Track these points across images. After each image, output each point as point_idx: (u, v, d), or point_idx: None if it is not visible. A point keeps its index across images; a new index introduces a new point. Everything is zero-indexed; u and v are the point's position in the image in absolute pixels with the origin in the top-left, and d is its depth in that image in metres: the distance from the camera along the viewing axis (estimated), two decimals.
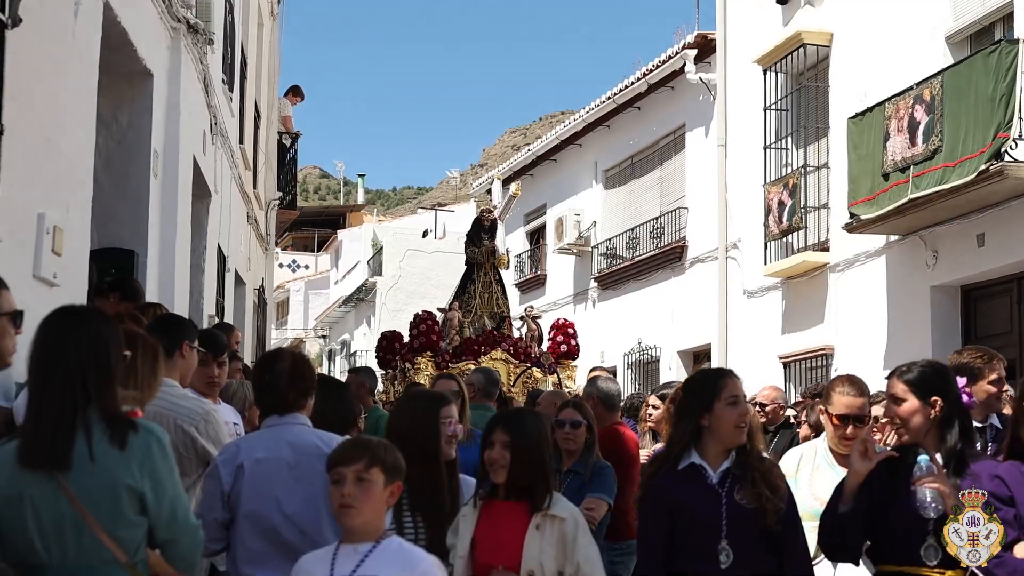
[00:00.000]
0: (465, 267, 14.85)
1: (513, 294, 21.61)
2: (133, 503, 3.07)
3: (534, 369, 13.35)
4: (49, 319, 3.22)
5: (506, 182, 17.54)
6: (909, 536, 3.76)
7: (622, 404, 8.27)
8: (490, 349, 13.41)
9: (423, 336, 13.42)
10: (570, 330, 14.02)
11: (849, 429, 4.74)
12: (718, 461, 3.96)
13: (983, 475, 3.78)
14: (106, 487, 3.02)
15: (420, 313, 13.88)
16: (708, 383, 4.05)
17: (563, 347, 13.84)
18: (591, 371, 9.62)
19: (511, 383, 12.99)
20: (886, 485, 3.84)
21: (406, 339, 13.85)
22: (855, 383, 4.87)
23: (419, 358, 13.28)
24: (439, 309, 14.53)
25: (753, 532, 3.84)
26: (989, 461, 3.99)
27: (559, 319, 14.60)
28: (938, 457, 3.82)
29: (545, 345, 14.07)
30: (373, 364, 29.04)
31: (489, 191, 26.18)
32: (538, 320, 14.77)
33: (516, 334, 14.47)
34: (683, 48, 17.17)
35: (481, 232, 14.61)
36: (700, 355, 17.49)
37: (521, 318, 15.00)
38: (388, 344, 14.11)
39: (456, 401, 5.78)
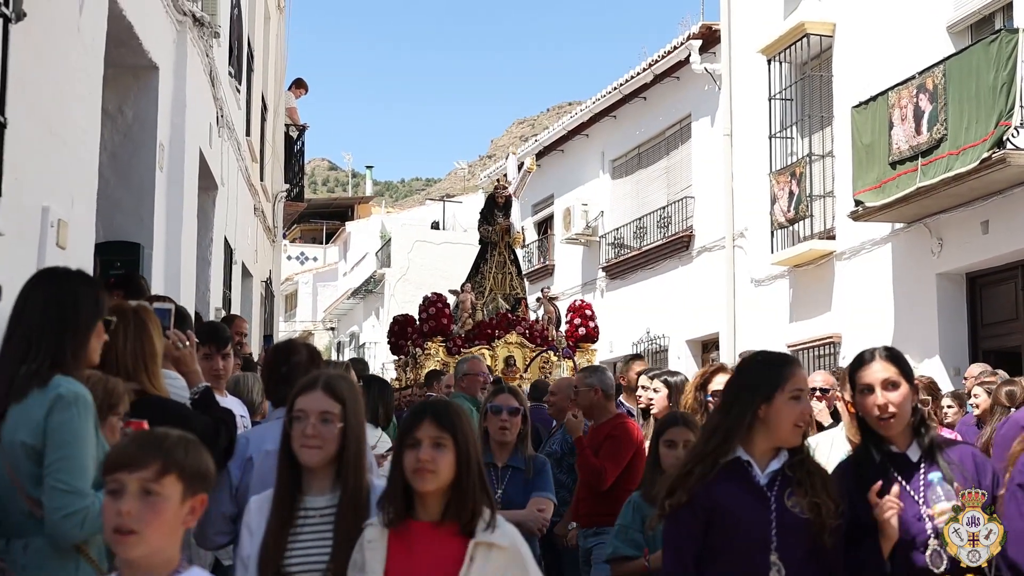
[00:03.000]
0: (479, 246, 14.26)
1: None
2: (34, 462, 3.07)
3: (550, 353, 12.82)
4: None
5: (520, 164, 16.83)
6: (908, 544, 3.39)
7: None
8: (504, 332, 12.86)
9: (433, 320, 12.84)
10: (588, 312, 13.46)
11: None
12: (765, 459, 3.36)
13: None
14: (13, 444, 3.07)
15: (430, 296, 13.25)
16: (772, 369, 3.42)
17: (581, 330, 13.27)
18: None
19: (525, 368, 12.56)
20: (863, 488, 3.43)
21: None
22: None
23: (429, 343, 12.73)
24: (451, 291, 14.00)
25: (805, 546, 3.26)
26: (955, 442, 3.78)
27: (576, 300, 14.07)
28: (915, 449, 3.51)
29: (563, 328, 13.56)
30: (383, 354, 29.00)
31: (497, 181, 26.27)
32: (555, 302, 14.23)
33: (532, 316, 13.89)
34: (688, 39, 17.21)
35: (495, 210, 13.98)
36: (708, 344, 17.52)
37: (538, 300, 14.54)
38: (400, 329, 13.51)
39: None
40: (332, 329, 41.82)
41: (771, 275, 15.35)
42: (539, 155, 23.34)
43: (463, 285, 13.86)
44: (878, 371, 3.54)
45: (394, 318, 14.11)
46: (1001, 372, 8.02)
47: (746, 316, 15.92)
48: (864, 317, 13.31)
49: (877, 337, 12.78)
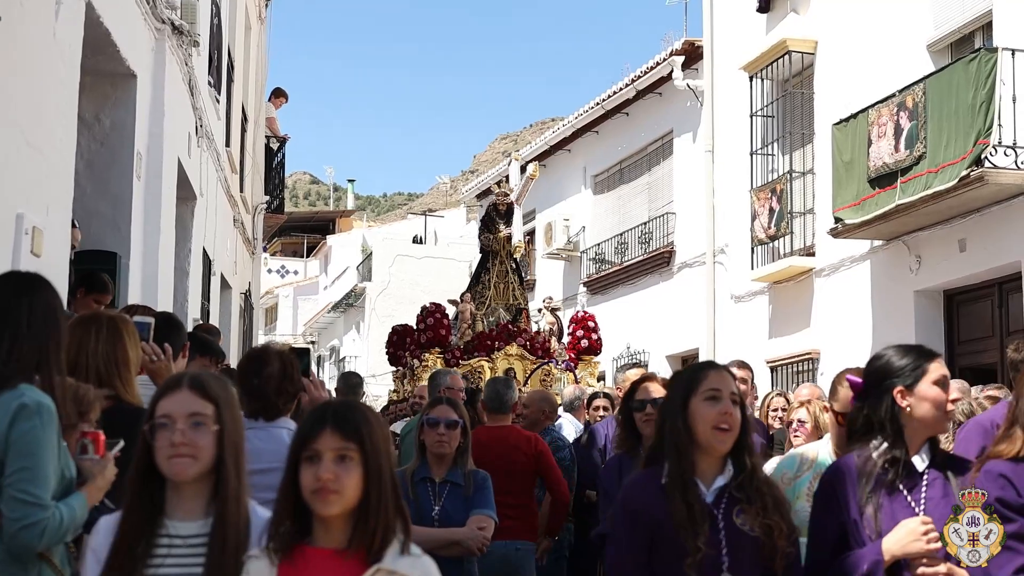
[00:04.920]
0: (479, 255, 13.84)
1: None
2: None
3: (550, 365, 12.48)
4: None
5: (523, 168, 16.18)
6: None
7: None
8: (505, 344, 12.51)
9: (431, 330, 12.49)
10: (591, 323, 13.09)
11: None
12: (710, 475, 3.23)
13: (985, 476, 3.21)
14: None
15: (428, 305, 12.93)
16: (685, 376, 3.36)
17: (584, 342, 12.90)
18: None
19: (525, 380, 12.21)
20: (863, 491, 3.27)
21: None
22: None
23: (427, 354, 12.40)
24: (450, 301, 13.66)
25: (759, 564, 3.15)
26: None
27: (579, 311, 13.67)
28: (923, 456, 3.33)
29: (564, 339, 13.23)
30: (363, 368, 28.91)
31: (479, 196, 26.26)
32: (558, 312, 13.86)
33: (534, 328, 13.49)
34: (671, 55, 17.25)
35: (496, 218, 13.58)
36: (688, 359, 17.52)
37: (540, 310, 14.21)
38: (399, 339, 13.05)
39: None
40: (312, 343, 41.66)
41: (751, 291, 15.38)
42: (521, 170, 23.30)
43: (462, 295, 13.51)
44: (944, 367, 3.39)
45: (393, 328, 13.63)
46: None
47: (726, 332, 15.94)
48: (843, 333, 13.34)
49: (855, 354, 12.80)
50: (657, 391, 5.04)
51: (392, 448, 2.53)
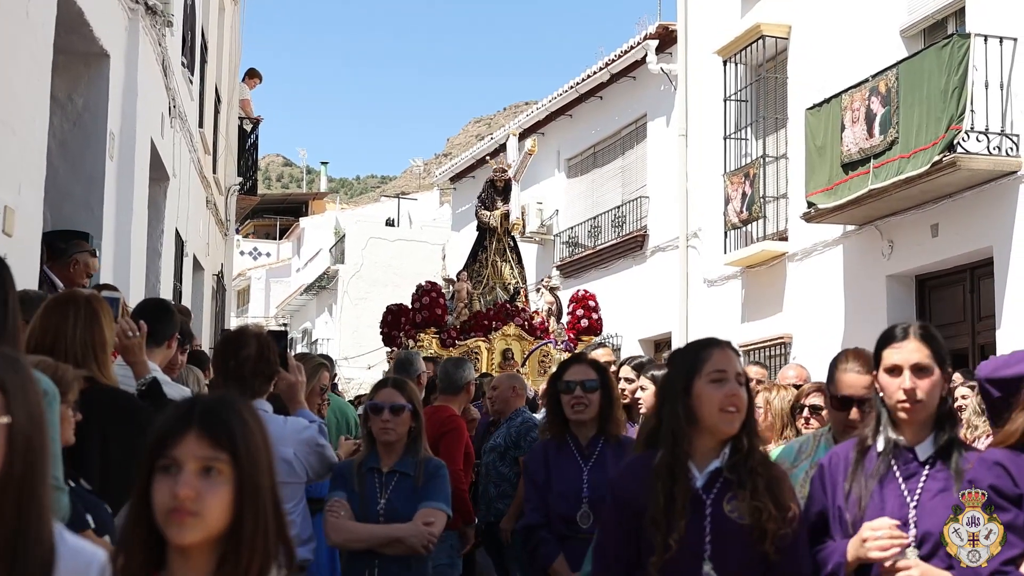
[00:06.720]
0: (477, 232, 13.51)
1: None
2: None
3: (548, 346, 12.20)
4: None
5: (522, 136, 15.48)
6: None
7: None
8: (502, 324, 12.21)
9: (426, 310, 12.10)
10: (591, 303, 12.71)
11: (853, 413, 3.73)
12: (706, 458, 3.05)
13: (981, 464, 3.04)
14: None
15: (424, 284, 12.55)
16: (688, 356, 3.16)
17: (584, 322, 12.56)
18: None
19: (523, 361, 12.02)
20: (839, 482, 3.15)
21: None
22: (862, 357, 3.74)
23: (422, 334, 12.09)
24: (446, 279, 13.39)
25: (745, 554, 2.96)
26: (976, 450, 3.27)
27: (579, 291, 13.30)
28: (927, 446, 3.12)
29: (564, 319, 12.96)
30: (335, 351, 28.82)
31: (452, 178, 26.20)
32: (556, 292, 13.65)
33: (533, 307, 13.18)
34: (645, 39, 17.26)
35: (494, 194, 13.22)
36: (661, 343, 17.58)
37: (538, 290, 13.99)
38: (394, 319, 12.70)
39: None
40: (284, 325, 41.53)
41: (724, 275, 15.45)
42: (494, 153, 23.29)
43: (459, 273, 13.18)
44: (911, 352, 3.12)
45: (387, 307, 13.22)
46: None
47: (699, 316, 16.00)
48: (815, 318, 13.43)
49: (827, 338, 12.89)
50: (587, 373, 4.73)
51: (275, 457, 2.05)
